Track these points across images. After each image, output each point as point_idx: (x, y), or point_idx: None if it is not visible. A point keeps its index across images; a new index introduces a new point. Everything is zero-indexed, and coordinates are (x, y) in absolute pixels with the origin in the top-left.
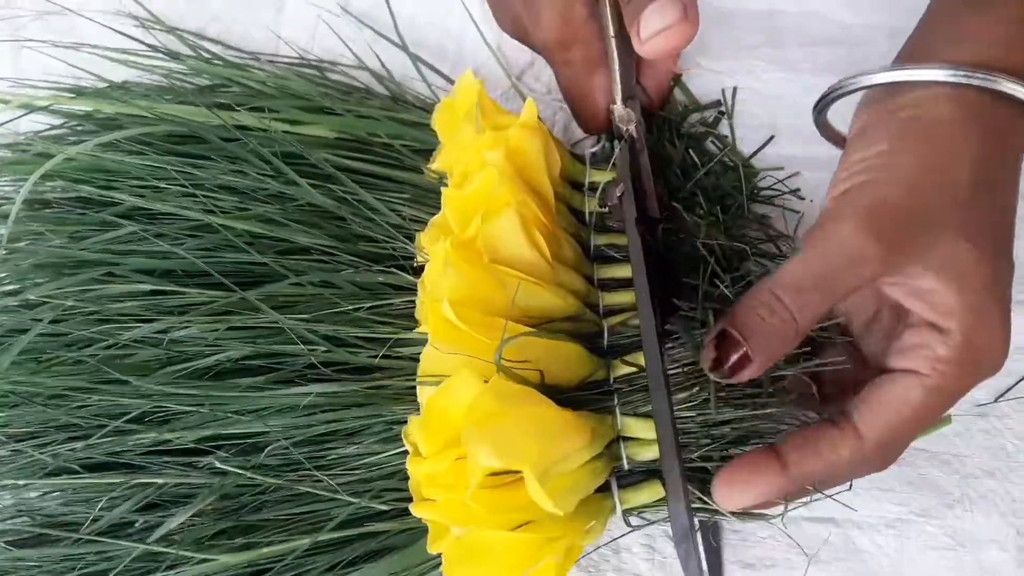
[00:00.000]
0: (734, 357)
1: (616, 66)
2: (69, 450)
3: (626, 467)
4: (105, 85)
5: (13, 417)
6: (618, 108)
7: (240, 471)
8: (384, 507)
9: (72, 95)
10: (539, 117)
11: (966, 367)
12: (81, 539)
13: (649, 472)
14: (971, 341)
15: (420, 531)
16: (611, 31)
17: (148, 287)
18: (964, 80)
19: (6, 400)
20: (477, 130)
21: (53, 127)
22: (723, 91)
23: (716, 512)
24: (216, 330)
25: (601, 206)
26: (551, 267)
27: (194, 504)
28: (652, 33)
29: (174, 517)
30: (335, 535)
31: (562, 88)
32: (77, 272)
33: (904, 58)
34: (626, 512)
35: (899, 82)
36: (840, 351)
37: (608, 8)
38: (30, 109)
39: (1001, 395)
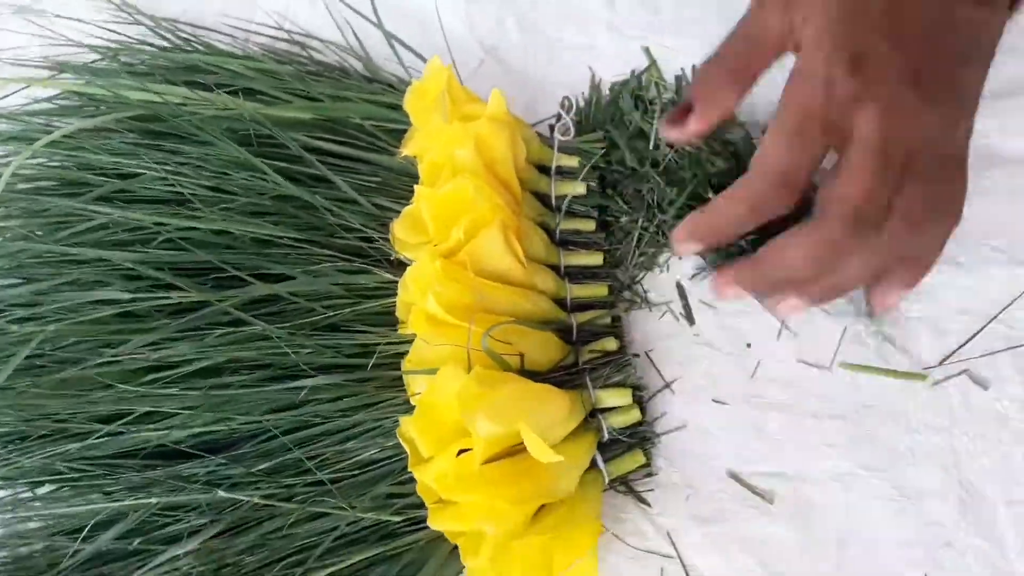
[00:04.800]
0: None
1: None
2: (57, 453)
3: (606, 437)
4: (84, 63)
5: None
6: None
7: (245, 497)
8: (396, 518)
9: (53, 72)
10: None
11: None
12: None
13: (630, 443)
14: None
15: (436, 542)
16: None
17: (128, 295)
18: None
19: None
20: (445, 119)
21: (36, 100)
22: (682, 70)
23: None
24: (201, 339)
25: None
26: (525, 270)
27: (191, 540)
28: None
29: (176, 545)
30: (357, 558)
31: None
32: (53, 267)
33: None
34: (612, 481)
35: None
36: None
37: None
38: (26, 84)
39: (946, 358)
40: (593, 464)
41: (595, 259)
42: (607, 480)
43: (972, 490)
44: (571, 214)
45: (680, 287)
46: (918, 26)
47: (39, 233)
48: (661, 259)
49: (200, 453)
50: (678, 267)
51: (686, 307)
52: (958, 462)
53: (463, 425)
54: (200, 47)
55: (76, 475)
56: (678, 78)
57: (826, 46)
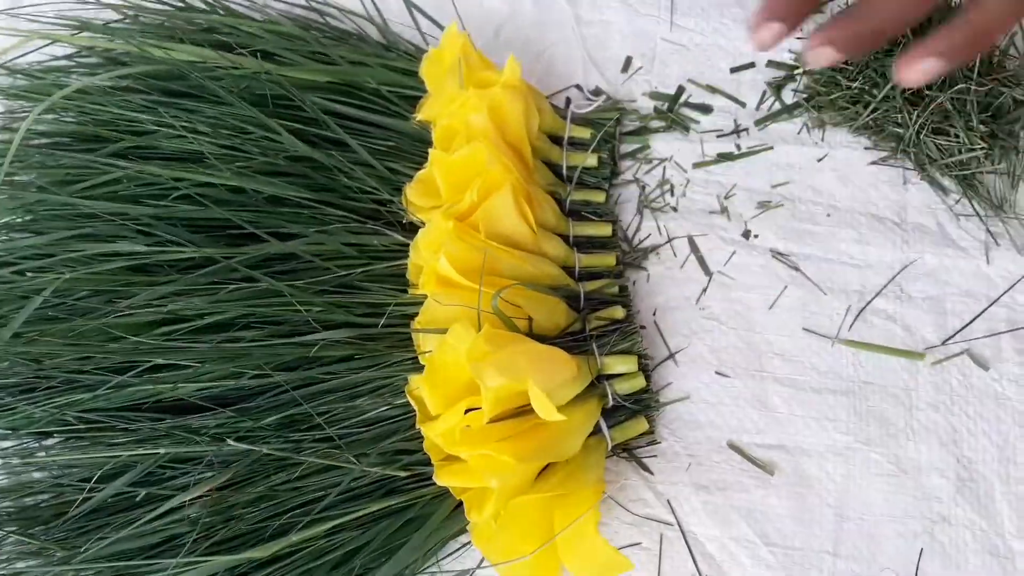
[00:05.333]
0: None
1: None
2: (66, 404)
3: (611, 403)
4: (105, 22)
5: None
6: None
7: (254, 448)
8: (402, 474)
9: (75, 31)
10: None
11: None
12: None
13: (634, 410)
14: None
15: (440, 498)
16: None
17: (144, 247)
18: None
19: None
20: (460, 84)
21: (55, 58)
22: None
23: None
24: (214, 293)
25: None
26: (535, 235)
27: (200, 486)
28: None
29: (183, 494)
30: (362, 512)
31: None
32: (68, 221)
33: None
34: (616, 447)
35: None
36: None
37: None
38: (50, 40)
39: (948, 338)
40: (597, 429)
41: (604, 230)
42: (610, 445)
43: (970, 467)
44: (582, 185)
45: (692, 241)
46: None
47: (53, 188)
48: None
49: (209, 406)
50: (689, 219)
51: (700, 259)
52: (957, 440)
53: (471, 384)
54: (219, 10)
55: (84, 426)
56: None
57: None
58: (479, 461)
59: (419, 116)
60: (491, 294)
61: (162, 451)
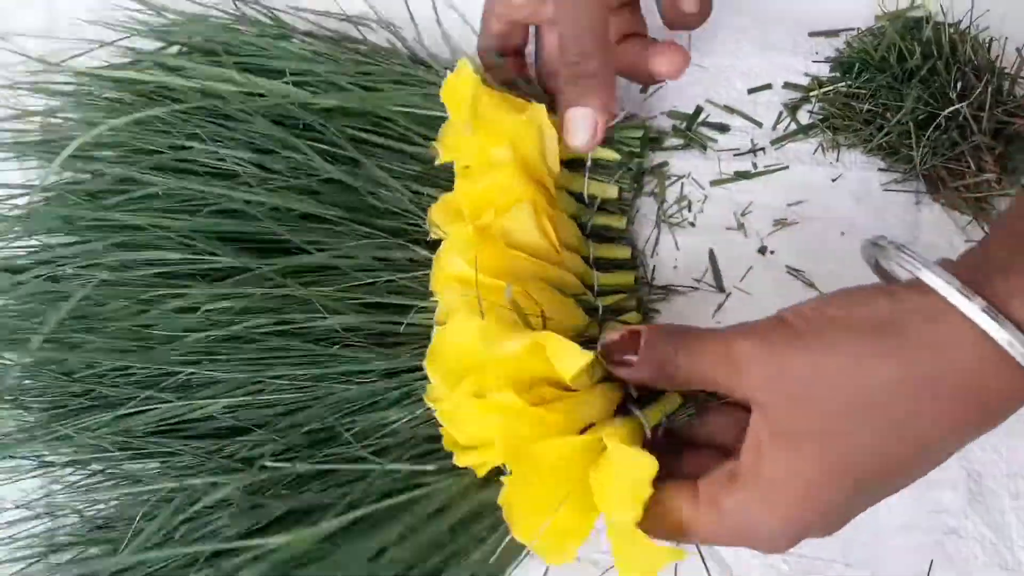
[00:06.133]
0: (624, 356)
1: None
2: (96, 421)
3: (634, 393)
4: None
5: (40, 388)
6: None
7: (277, 465)
8: (431, 467)
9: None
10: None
11: (713, 516)
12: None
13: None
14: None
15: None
16: None
17: (177, 255)
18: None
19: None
20: (471, 130)
21: (98, 69)
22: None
23: None
24: (248, 299)
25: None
26: (558, 252)
27: (226, 485)
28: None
29: (208, 494)
30: (387, 502)
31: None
32: (103, 233)
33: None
34: (654, 428)
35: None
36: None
37: None
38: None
39: None
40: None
41: (623, 252)
42: (647, 427)
43: (980, 481)
44: (603, 210)
45: (712, 254)
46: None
47: (85, 199)
48: None
49: (241, 425)
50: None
51: (716, 274)
52: (967, 454)
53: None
54: (240, 28)
55: (114, 452)
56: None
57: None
58: (485, 412)
59: (440, 158)
60: (505, 286)
61: (198, 481)
